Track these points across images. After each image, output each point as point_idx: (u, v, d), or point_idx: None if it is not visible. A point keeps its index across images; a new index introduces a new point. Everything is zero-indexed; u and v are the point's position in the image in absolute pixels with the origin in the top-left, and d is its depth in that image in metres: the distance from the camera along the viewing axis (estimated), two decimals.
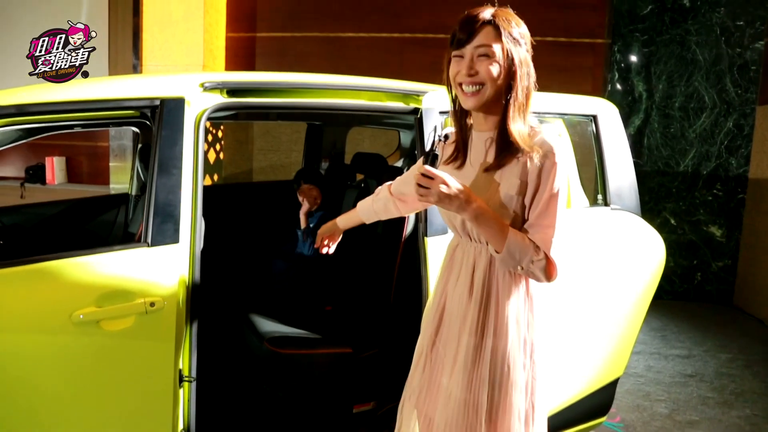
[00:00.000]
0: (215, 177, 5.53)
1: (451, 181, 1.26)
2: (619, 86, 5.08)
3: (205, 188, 4.19)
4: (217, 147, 5.60)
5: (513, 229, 1.32)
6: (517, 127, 1.33)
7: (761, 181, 4.76)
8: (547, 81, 5.66)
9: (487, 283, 1.39)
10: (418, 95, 2.00)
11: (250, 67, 5.75)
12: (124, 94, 1.63)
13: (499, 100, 1.34)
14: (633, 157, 5.01)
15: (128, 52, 5.32)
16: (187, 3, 5.18)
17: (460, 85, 1.34)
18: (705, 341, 4.12)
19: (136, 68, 5.32)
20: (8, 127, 1.82)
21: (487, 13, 1.33)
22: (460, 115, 1.41)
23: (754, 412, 3.06)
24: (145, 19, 5.13)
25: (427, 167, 1.26)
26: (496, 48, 1.31)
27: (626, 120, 5.09)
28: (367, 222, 1.81)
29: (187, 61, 5.25)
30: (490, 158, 1.37)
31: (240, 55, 5.69)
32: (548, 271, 1.32)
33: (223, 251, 2.94)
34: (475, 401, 1.35)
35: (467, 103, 1.34)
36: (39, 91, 1.55)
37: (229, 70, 5.62)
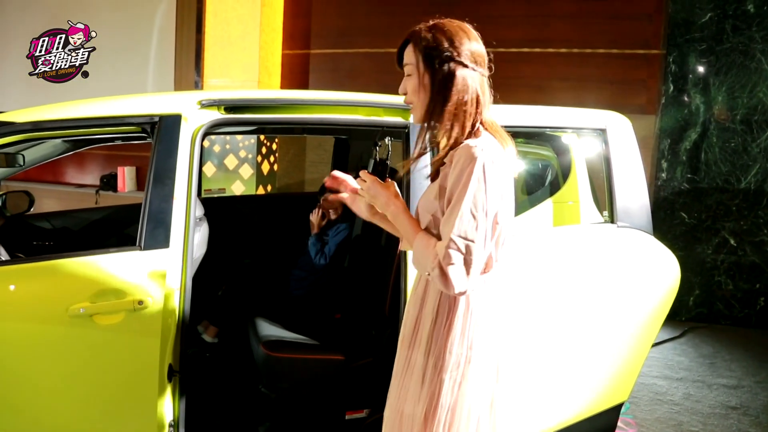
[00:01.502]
0: (269, 187, 5.79)
1: (378, 184, 1.39)
2: (674, 99, 4.85)
3: (237, 198, 4.38)
4: (272, 159, 5.86)
5: (423, 234, 1.33)
6: (441, 138, 1.34)
7: None
8: (598, 94, 5.49)
9: (438, 299, 1.37)
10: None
11: (304, 82, 5.99)
12: (127, 111, 1.80)
13: (437, 115, 1.36)
14: (688, 173, 4.80)
15: (191, 69, 5.71)
16: (245, 23, 5.49)
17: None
18: (759, 371, 3.83)
19: (197, 84, 5.69)
20: (57, 140, 2.05)
21: (414, 30, 1.38)
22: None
23: None
24: (206, 38, 5.49)
25: (366, 171, 1.42)
26: (416, 64, 1.36)
27: (682, 134, 4.85)
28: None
29: (244, 78, 5.56)
30: (432, 167, 1.44)
31: (295, 72, 5.94)
32: (443, 282, 1.26)
33: (248, 257, 3.10)
34: (411, 413, 1.37)
35: (413, 119, 1.43)
36: (52, 109, 1.75)
37: (284, 85, 5.89)
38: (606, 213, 2.26)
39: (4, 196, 2.72)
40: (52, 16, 5.22)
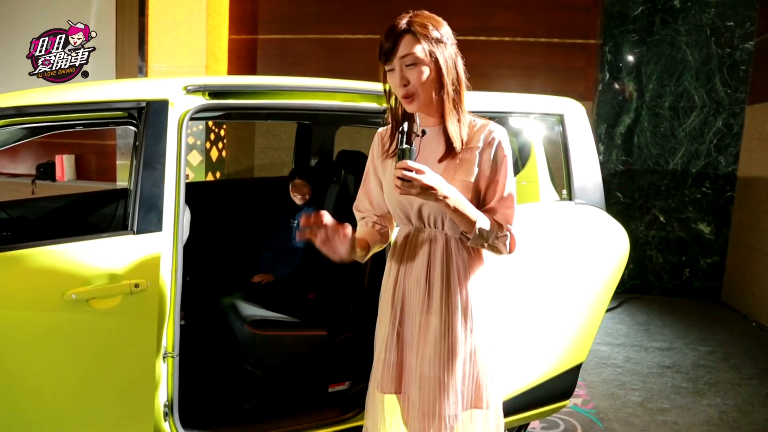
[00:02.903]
0: (218, 174, 5.72)
1: (429, 172, 1.35)
2: (610, 86, 5.19)
3: (200, 183, 4.35)
4: (220, 145, 5.79)
5: (480, 212, 1.46)
6: (453, 120, 1.48)
7: (749, 179, 4.85)
8: (541, 81, 5.76)
9: (446, 267, 1.52)
10: None
11: (252, 68, 5.93)
12: (113, 96, 1.80)
13: (438, 98, 1.47)
14: (623, 156, 5.16)
15: (134, 54, 5.52)
16: (191, 6, 5.36)
17: (402, 96, 1.46)
18: (687, 335, 4.23)
19: (141, 69, 5.51)
20: (13, 127, 2.00)
21: (403, 22, 1.44)
22: (402, 116, 1.53)
23: (725, 401, 3.18)
24: (150, 21, 5.32)
25: (409, 162, 1.34)
26: (419, 54, 1.42)
27: (617, 119, 5.21)
28: (362, 256, 1.59)
29: (190, 63, 5.44)
30: (441, 150, 1.50)
31: (242, 57, 5.88)
32: (511, 244, 1.50)
33: (215, 242, 3.11)
34: (448, 376, 1.50)
35: (410, 109, 1.48)
36: (36, 94, 1.72)
37: (231, 71, 5.81)
38: (564, 191, 2.45)
39: None
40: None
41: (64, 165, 5.79)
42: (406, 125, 1.42)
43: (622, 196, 5.23)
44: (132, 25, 5.48)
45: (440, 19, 1.49)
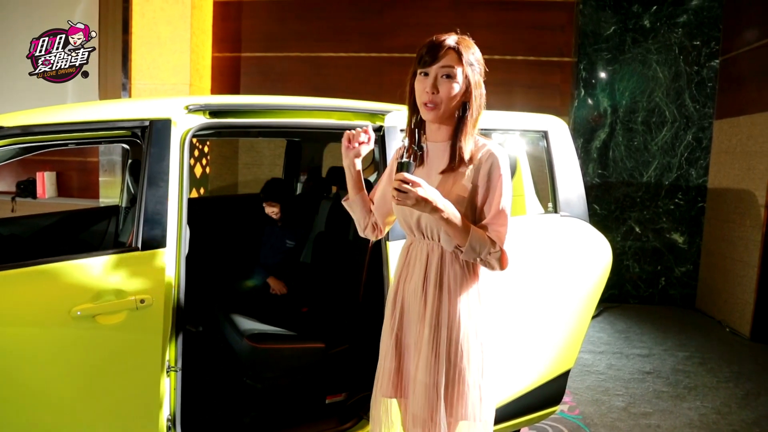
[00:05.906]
0: (201, 190, 5.74)
1: (425, 185, 1.44)
2: (585, 102, 5.38)
3: (192, 200, 4.39)
4: (204, 162, 5.81)
5: (473, 226, 1.53)
6: (467, 140, 1.56)
7: (719, 190, 5.06)
8: (520, 97, 5.90)
9: (440, 278, 1.58)
10: (383, 115, 2.23)
11: (235, 85, 5.98)
12: (117, 116, 1.84)
13: (452, 115, 1.56)
14: (599, 169, 5.33)
15: (118, 71, 5.53)
16: (174, 24, 5.41)
17: (425, 102, 1.54)
18: (665, 341, 4.37)
19: (125, 87, 5.52)
20: (11, 146, 2.03)
21: (451, 40, 1.54)
22: (416, 127, 1.62)
23: (704, 404, 3.30)
24: (134, 39, 5.35)
25: (406, 174, 1.43)
26: (458, 71, 1.52)
27: (592, 134, 5.39)
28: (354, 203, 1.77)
29: (174, 80, 5.47)
30: (445, 164, 1.59)
31: (225, 74, 5.93)
32: (502, 261, 1.54)
33: (208, 257, 3.14)
34: (435, 382, 1.55)
35: (427, 116, 1.56)
36: (41, 113, 1.76)
37: (214, 88, 5.85)
38: (550, 204, 2.56)
39: None
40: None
41: (45, 182, 5.74)
42: (407, 140, 1.53)
43: (599, 208, 5.39)
44: (115, 42, 5.49)
45: (476, 46, 1.58)
